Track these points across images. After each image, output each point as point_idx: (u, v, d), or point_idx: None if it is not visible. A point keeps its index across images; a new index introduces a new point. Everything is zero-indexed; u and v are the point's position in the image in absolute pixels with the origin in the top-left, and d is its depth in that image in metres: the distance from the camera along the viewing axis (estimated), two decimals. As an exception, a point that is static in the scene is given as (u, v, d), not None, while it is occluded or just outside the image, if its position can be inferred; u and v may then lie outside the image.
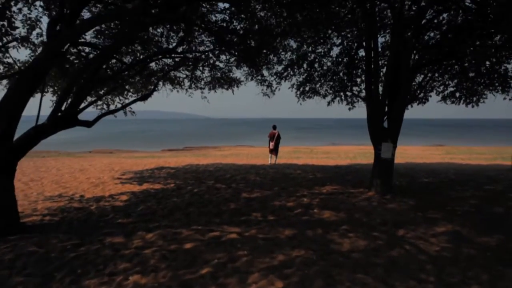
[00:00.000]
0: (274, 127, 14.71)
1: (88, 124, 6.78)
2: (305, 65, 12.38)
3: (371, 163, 16.64)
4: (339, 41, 11.73)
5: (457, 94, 11.75)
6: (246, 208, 6.62)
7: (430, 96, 12.15)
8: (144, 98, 8.51)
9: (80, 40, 7.20)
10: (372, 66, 8.20)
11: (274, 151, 14.48)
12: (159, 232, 5.08)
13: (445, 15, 8.66)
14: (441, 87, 11.54)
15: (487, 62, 10.14)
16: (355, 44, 11.54)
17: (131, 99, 12.23)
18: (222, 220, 5.84)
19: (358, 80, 12.38)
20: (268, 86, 11.40)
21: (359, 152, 23.89)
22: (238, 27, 9.32)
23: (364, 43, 10.93)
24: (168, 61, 10.18)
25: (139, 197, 7.53)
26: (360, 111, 13.86)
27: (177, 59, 9.72)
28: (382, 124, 7.96)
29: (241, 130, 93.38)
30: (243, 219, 5.90)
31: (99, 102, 10.62)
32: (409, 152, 25.98)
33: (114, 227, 5.34)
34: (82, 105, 6.85)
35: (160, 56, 8.35)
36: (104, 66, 7.19)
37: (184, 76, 11.18)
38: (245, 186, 8.80)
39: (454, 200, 7.36)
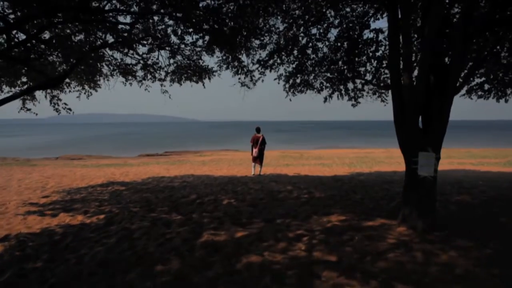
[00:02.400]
0: (258, 130, 11.76)
1: None
2: (295, 52, 9.60)
3: (376, 172, 13.83)
4: (338, 20, 8.98)
5: (486, 86, 9.15)
6: (197, 272, 3.65)
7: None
8: (48, 85, 5.47)
9: None
10: (401, 39, 5.29)
11: (259, 159, 11.54)
12: None
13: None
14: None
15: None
16: (357, 26, 8.88)
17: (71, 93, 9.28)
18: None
19: (362, 70, 9.62)
20: (246, 74, 8.52)
21: (355, 157, 21.14)
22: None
23: (383, 12, 8.15)
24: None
25: (25, 246, 4.44)
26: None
27: (119, 36, 6.71)
28: (417, 125, 5.08)
29: (229, 133, 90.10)
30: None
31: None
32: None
33: None
34: None
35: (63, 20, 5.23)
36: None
37: (135, 61, 8.16)
38: (211, 217, 5.81)
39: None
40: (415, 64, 6.38)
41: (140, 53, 7.67)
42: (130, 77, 8.75)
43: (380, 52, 8.78)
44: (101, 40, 6.44)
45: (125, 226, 5.32)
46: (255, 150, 11.45)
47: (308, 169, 14.24)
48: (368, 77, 9.59)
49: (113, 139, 66.66)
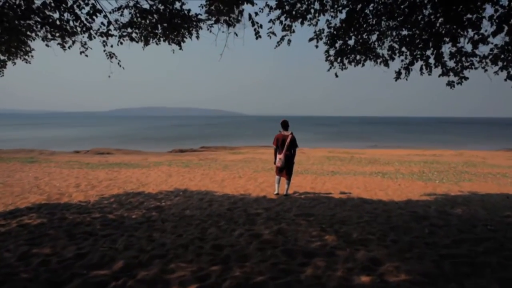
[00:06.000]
0: (285, 126, 7.38)
1: None
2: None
3: (472, 194, 7.17)
4: None
5: None
6: None
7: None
8: None
9: None
10: None
11: (285, 170, 7.26)
12: None
13: None
14: None
15: None
16: None
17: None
18: None
19: (473, 17, 5.02)
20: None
21: (422, 162, 15.91)
22: None
23: None
24: None
25: None
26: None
27: None
28: None
29: (277, 126, 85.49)
30: None
31: None
32: (489, 161, 17.54)
33: None
34: None
35: None
36: None
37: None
38: None
39: None
40: None
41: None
42: (61, 33, 4.98)
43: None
44: None
45: None
46: (279, 157, 7.17)
47: (362, 182, 9.67)
48: (488, 29, 5.05)
49: (160, 131, 65.85)
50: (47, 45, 5.54)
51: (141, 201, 6.44)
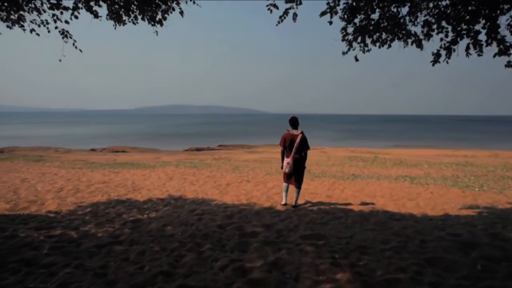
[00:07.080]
0: (294, 123, 6.11)
1: None
2: None
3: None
4: None
5: None
6: None
7: None
8: None
9: None
10: None
11: (294, 176, 6.05)
12: None
13: None
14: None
15: None
16: None
17: None
18: None
19: None
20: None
21: (454, 164, 14.17)
22: None
23: None
24: None
25: None
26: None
27: None
28: None
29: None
30: None
31: None
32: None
33: None
34: None
35: None
36: None
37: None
38: None
39: None
40: None
41: None
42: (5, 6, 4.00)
43: None
44: None
45: None
46: (287, 161, 5.96)
47: (387, 188, 8.29)
48: None
49: (182, 129, 65.90)
50: (8, 27, 4.61)
51: (121, 212, 5.43)
